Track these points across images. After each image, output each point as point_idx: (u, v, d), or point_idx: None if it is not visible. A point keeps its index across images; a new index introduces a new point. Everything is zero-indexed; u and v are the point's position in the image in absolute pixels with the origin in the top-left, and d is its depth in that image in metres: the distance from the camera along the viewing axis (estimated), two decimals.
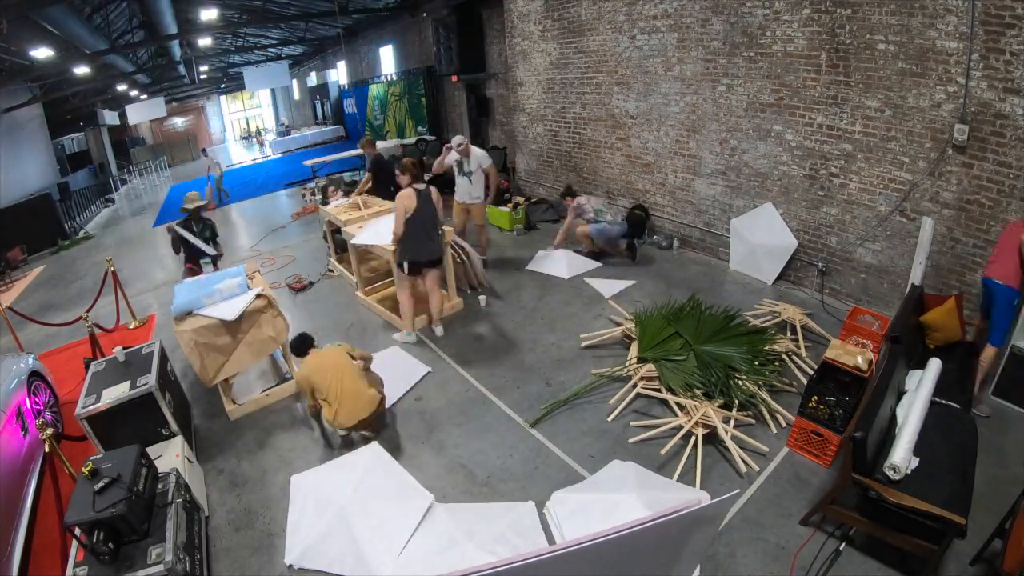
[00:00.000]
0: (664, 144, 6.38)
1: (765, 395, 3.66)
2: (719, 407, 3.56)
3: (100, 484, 2.44)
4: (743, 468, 3.16)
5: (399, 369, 4.46)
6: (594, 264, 6.24)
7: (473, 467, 3.46)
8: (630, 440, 3.55)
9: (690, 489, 3.04)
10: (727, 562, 2.66)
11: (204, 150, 15.88)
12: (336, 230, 6.54)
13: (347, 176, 11.61)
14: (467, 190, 6.16)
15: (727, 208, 5.86)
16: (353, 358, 3.77)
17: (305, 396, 3.76)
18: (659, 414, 3.73)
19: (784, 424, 3.52)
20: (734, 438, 3.31)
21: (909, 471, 2.48)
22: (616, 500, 2.85)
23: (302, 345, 3.88)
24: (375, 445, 3.58)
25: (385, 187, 7.23)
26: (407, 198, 4.45)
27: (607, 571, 1.47)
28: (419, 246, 4.58)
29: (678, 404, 3.66)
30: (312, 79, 26.07)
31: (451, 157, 6.07)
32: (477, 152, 6.06)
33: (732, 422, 3.47)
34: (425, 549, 2.82)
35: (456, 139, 6.02)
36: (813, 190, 4.98)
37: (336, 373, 3.61)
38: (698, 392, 3.71)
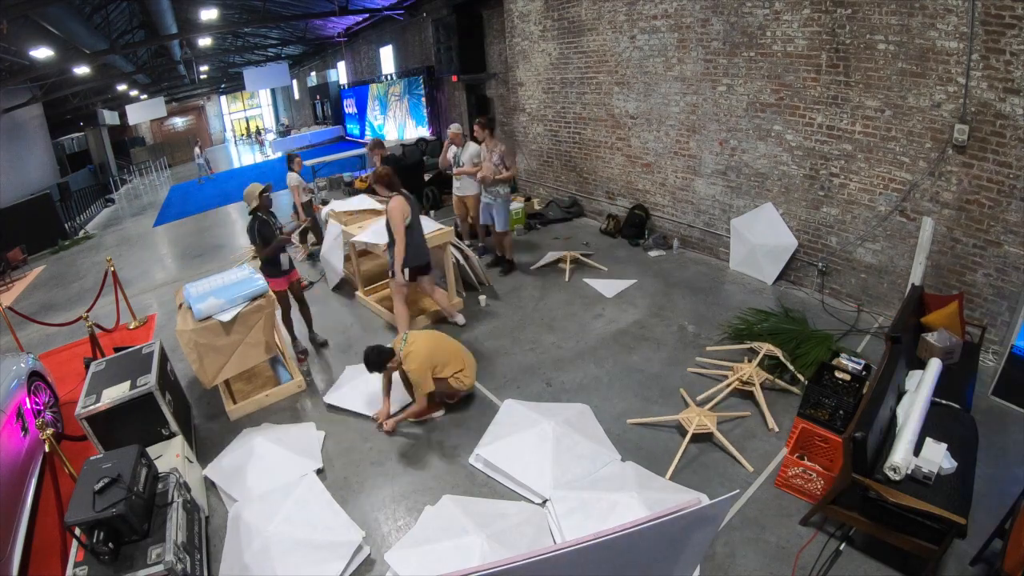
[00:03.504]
0: (664, 144, 6.38)
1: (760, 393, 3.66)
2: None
3: (100, 484, 2.44)
4: (746, 468, 3.18)
5: None
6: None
7: (473, 467, 3.45)
8: (628, 422, 3.59)
9: (689, 490, 3.03)
10: (727, 562, 2.66)
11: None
12: None
13: (347, 176, 11.63)
14: (462, 183, 6.30)
15: (727, 208, 5.86)
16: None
17: (424, 384, 3.61)
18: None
19: (776, 427, 3.52)
20: (726, 442, 3.32)
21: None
22: (616, 500, 2.85)
23: (379, 358, 3.60)
24: (311, 475, 3.39)
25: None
26: (403, 205, 4.36)
27: (607, 571, 1.47)
28: (419, 252, 4.59)
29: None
30: (312, 79, 26.06)
31: (451, 152, 6.28)
32: (472, 147, 6.09)
33: (734, 422, 3.47)
34: (432, 535, 2.81)
35: (452, 126, 6.43)
36: (813, 190, 4.98)
37: (443, 343, 3.85)
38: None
